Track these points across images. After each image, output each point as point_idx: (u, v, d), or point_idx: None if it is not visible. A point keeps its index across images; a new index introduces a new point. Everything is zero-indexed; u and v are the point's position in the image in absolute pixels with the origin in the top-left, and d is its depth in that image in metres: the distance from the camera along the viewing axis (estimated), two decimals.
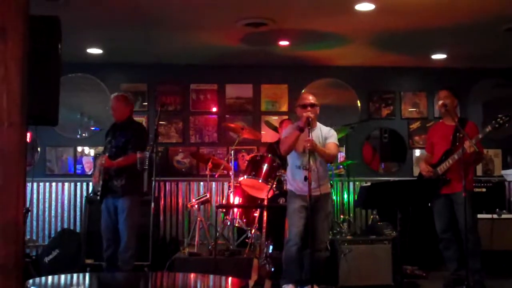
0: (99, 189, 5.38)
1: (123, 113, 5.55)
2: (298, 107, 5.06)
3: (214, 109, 7.85)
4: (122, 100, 5.59)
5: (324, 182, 5.00)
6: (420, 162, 5.91)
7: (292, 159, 5.08)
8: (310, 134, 4.72)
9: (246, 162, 6.32)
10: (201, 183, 7.62)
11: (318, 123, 5.04)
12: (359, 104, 7.95)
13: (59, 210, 7.53)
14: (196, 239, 6.10)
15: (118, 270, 5.30)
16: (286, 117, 7.39)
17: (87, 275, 4.91)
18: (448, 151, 5.34)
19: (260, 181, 5.90)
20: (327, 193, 5.09)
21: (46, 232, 7.47)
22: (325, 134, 5.06)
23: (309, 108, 4.91)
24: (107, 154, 5.34)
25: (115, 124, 5.62)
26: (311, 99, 5.04)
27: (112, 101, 5.58)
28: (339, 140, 7.05)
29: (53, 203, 7.55)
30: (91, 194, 5.53)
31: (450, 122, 5.37)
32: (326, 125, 5.21)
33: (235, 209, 6.19)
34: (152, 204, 5.22)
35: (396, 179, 7.19)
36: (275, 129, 7.15)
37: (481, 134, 5.09)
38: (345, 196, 7.69)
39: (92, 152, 7.65)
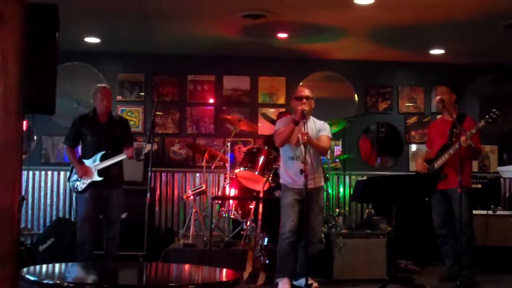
0: (93, 180, 5.37)
1: (111, 105, 5.60)
2: (294, 99, 5.06)
3: (211, 101, 7.83)
4: (111, 92, 5.61)
5: (317, 176, 5.01)
6: (417, 158, 5.90)
7: (284, 150, 5.08)
8: (305, 127, 4.72)
9: (243, 154, 6.31)
10: (197, 174, 7.60)
11: (311, 116, 5.04)
12: (356, 98, 7.94)
13: (54, 199, 7.51)
14: (191, 230, 6.11)
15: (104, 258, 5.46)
16: (284, 109, 7.38)
17: (82, 263, 4.89)
18: (444, 146, 5.34)
19: (256, 173, 5.90)
20: (320, 187, 5.09)
21: (42, 221, 7.45)
22: (319, 127, 5.07)
23: (304, 100, 4.91)
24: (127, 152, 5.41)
25: (94, 116, 5.51)
26: (306, 92, 5.04)
27: (106, 93, 5.48)
28: (336, 133, 7.11)
29: (49, 191, 7.53)
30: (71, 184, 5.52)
31: (449, 118, 5.36)
32: (323, 119, 5.22)
33: (231, 201, 6.19)
34: (148, 195, 5.23)
35: (392, 173, 7.20)
36: (272, 121, 7.12)
37: (475, 129, 5.10)
38: (341, 190, 7.69)
39: None
